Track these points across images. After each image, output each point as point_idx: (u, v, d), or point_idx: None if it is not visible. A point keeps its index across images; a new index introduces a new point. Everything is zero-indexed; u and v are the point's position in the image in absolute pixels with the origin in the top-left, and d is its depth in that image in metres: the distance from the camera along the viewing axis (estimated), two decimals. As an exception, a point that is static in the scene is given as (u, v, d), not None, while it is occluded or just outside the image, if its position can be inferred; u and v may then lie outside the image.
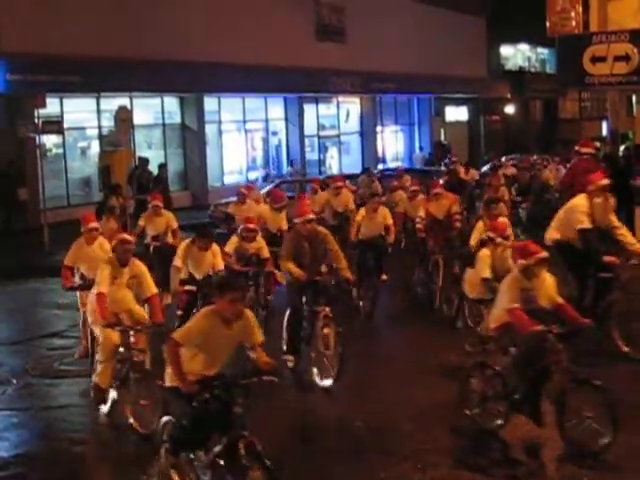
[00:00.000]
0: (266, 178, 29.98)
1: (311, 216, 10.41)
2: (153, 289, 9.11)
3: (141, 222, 14.59)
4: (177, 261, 11.10)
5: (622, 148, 23.21)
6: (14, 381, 10.36)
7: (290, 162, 33.08)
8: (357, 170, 27.92)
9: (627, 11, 21.16)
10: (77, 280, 10.81)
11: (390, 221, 13.81)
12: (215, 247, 11.05)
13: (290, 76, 30.49)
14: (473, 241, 11.62)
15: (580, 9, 21.86)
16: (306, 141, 35.09)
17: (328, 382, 9.65)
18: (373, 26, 34.80)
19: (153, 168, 22.50)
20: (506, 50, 50.13)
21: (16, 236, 21.80)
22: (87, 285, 10.29)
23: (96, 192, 25.30)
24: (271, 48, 29.52)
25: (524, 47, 52.15)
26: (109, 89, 25.03)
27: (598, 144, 37.58)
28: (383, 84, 35.87)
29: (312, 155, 36.00)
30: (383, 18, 35.37)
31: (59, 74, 22.80)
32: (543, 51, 52.95)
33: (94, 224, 10.84)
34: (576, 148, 15.72)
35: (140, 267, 9.18)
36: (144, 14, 25.54)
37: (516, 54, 51.87)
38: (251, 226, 11.97)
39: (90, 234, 10.70)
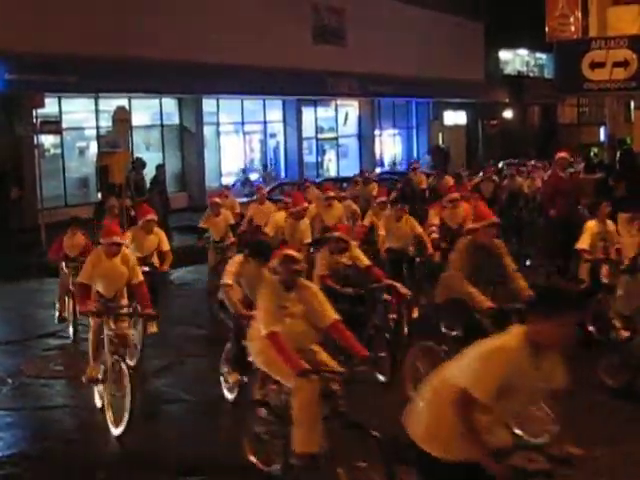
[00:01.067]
0: (245, 183, 29.46)
1: (496, 220, 8.55)
2: (334, 314, 6.90)
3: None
4: (228, 278, 8.89)
5: (619, 153, 23.22)
6: (9, 381, 10.34)
7: (264, 165, 32.64)
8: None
9: (626, 17, 21.22)
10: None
11: (420, 230, 12.27)
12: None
13: (289, 78, 30.49)
14: (584, 244, 10.53)
15: (579, 14, 21.93)
16: (304, 144, 35.07)
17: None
18: (372, 29, 34.80)
19: (150, 169, 22.47)
20: (505, 55, 50.21)
21: (13, 235, 21.75)
22: (111, 308, 9.04)
23: (94, 192, 25.27)
24: (270, 50, 29.52)
25: (523, 52, 52.24)
26: (107, 90, 24.98)
27: (596, 150, 37.70)
28: (382, 87, 35.87)
29: (310, 158, 35.99)
30: (382, 21, 35.38)
31: (58, 74, 22.78)
32: (542, 56, 53.03)
33: (118, 238, 9.22)
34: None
35: (311, 289, 7.05)
36: (143, 15, 25.52)
37: (515, 59, 51.94)
38: (338, 234, 9.86)
39: (111, 248, 9.11)
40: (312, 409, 6.41)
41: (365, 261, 9.92)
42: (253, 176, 31.98)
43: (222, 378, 9.30)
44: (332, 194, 14.98)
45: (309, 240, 12.65)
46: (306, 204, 12.99)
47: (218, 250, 14.33)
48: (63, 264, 12.55)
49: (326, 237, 9.95)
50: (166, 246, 12.02)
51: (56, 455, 8.14)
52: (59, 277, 12.79)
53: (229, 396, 9.17)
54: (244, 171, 31.35)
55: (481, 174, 22.67)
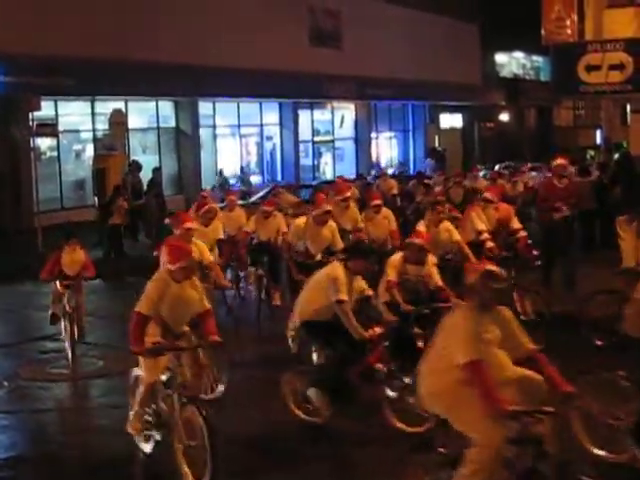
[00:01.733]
0: (222, 187, 27.51)
1: None
2: (530, 341, 5.88)
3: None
4: (341, 293, 7.98)
5: (616, 156, 23.26)
6: (5, 384, 10.30)
7: (241, 168, 31.36)
8: (351, 176, 27.82)
9: (622, 20, 21.26)
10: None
11: (458, 237, 11.38)
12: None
13: (285, 81, 30.50)
14: None
15: (575, 17, 21.99)
16: (300, 146, 35.06)
17: None
18: (368, 32, 34.83)
19: (147, 172, 22.47)
20: (501, 57, 50.24)
21: (8, 238, 21.73)
22: (173, 347, 7.32)
23: (90, 195, 25.23)
24: (266, 53, 29.52)
25: (519, 55, 52.29)
26: (104, 92, 25.00)
27: (592, 152, 37.76)
28: (378, 90, 35.90)
29: (306, 161, 35.97)
30: (378, 24, 35.41)
31: (54, 77, 22.77)
32: (538, 59, 53.08)
33: (194, 257, 7.69)
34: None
35: (506, 311, 5.99)
36: (140, 18, 25.52)
37: (511, 62, 51.98)
38: (418, 241, 9.04)
39: (187, 271, 7.39)
40: (492, 470, 5.51)
41: (438, 280, 8.97)
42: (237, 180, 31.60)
43: (291, 401, 8.43)
44: (349, 194, 13.32)
45: (340, 247, 11.08)
46: (327, 206, 11.48)
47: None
48: (57, 283, 11.41)
49: (406, 243, 8.98)
50: (209, 257, 10.68)
51: (53, 458, 8.10)
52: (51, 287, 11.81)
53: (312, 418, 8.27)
54: (220, 174, 29.89)
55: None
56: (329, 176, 35.53)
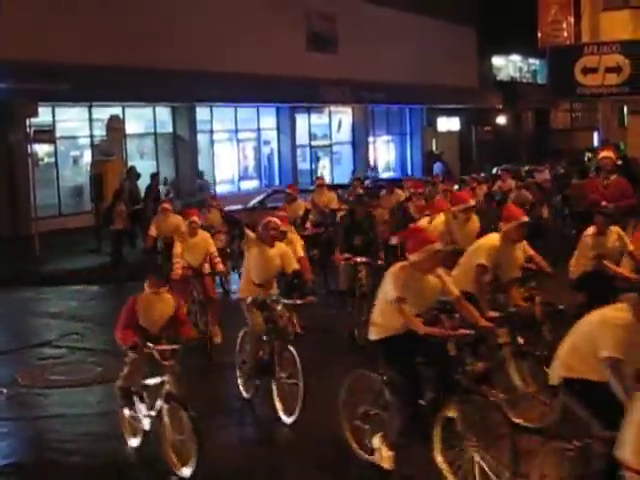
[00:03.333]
0: (167, 194, 24.58)
1: None
2: None
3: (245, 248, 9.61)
4: (616, 351, 5.36)
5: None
6: (4, 390, 10.28)
7: (164, 180, 27.44)
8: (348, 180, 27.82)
9: (619, 22, 21.29)
10: None
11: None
12: None
13: (282, 86, 30.52)
14: None
15: (572, 20, 22.02)
16: (298, 151, 35.09)
17: None
18: (365, 36, 34.89)
19: (145, 177, 22.42)
20: (498, 61, 50.36)
21: (5, 244, 21.70)
22: None
23: (88, 201, 25.21)
24: (263, 58, 29.55)
25: (516, 58, 52.41)
26: (101, 98, 24.99)
27: (590, 154, 37.75)
28: (375, 94, 35.92)
29: (304, 165, 36.01)
30: (375, 28, 35.47)
31: (51, 82, 22.73)
32: (534, 62, 53.21)
33: None
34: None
35: None
36: (137, 23, 25.54)
37: (507, 65, 52.11)
38: None
39: None
40: None
41: None
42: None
43: None
44: (473, 203, 10.48)
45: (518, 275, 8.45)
46: (523, 217, 8.38)
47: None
48: (149, 349, 7.43)
49: None
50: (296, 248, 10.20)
51: (52, 465, 8.08)
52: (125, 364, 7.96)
53: None
54: (165, 182, 26.38)
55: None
56: (326, 180, 35.52)
